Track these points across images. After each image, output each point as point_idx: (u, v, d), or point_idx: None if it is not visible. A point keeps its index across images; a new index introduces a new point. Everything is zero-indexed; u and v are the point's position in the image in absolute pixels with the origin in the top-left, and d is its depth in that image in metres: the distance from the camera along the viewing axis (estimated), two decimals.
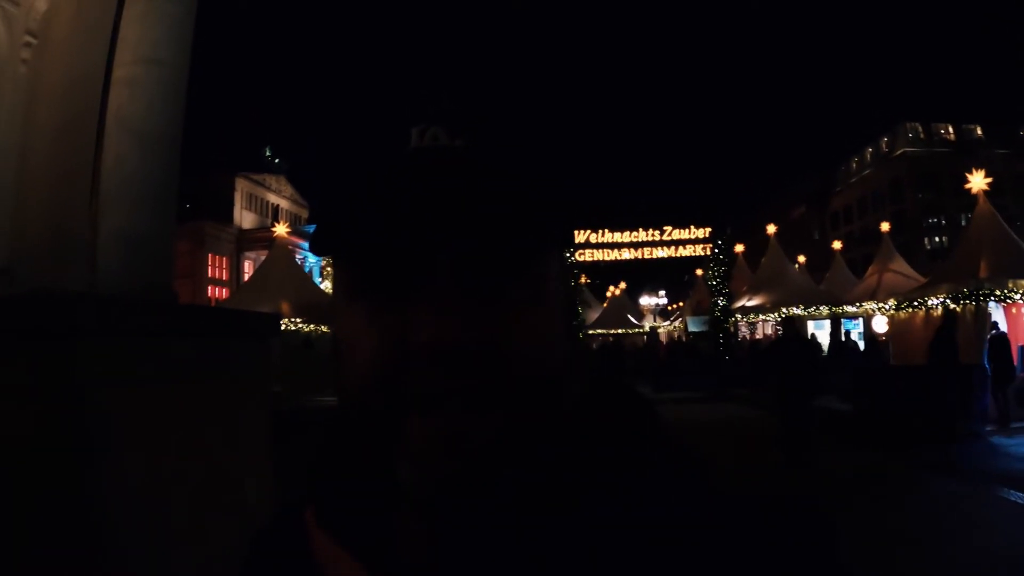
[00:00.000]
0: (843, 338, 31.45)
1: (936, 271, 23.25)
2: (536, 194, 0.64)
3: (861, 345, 29.14)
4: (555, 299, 0.67)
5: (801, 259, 37.81)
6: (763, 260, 36.01)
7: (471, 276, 0.61)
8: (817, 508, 0.68)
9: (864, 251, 56.18)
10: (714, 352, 32.20)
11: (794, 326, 12.68)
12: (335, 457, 0.75)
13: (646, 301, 69.77)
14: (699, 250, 33.45)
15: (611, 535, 0.62)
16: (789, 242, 41.02)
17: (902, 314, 21.22)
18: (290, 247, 27.84)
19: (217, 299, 59.02)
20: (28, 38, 9.92)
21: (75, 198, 9.78)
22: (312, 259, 52.59)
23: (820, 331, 34.78)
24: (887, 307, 22.66)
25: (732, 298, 33.53)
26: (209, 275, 64.67)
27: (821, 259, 44.44)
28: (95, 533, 3.74)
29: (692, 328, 39.57)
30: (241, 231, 69.40)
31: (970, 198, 20.86)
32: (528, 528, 0.63)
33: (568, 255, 32.35)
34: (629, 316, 49.91)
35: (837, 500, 8.83)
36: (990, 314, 17.29)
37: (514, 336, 0.62)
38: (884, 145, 77.48)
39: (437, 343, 0.58)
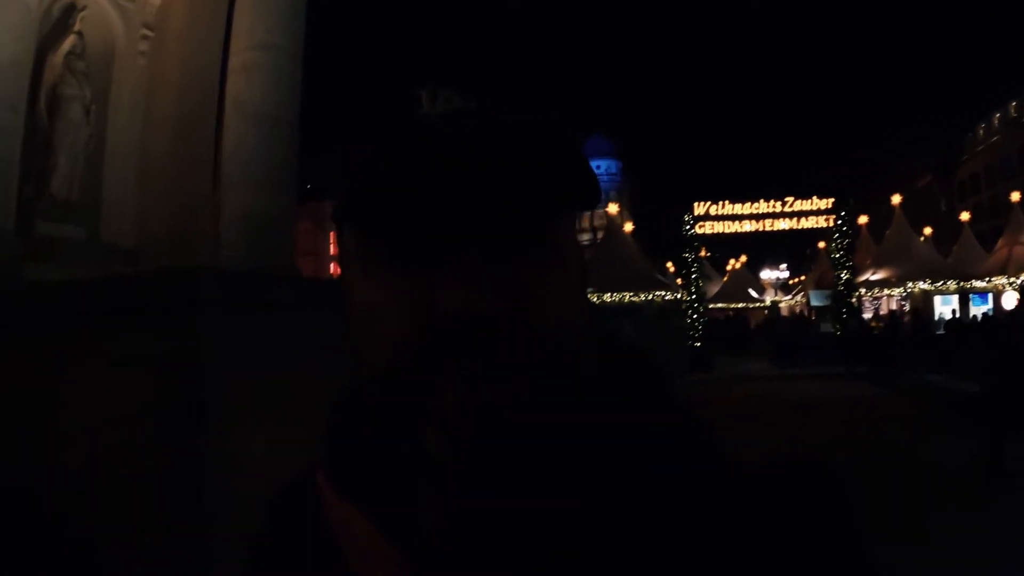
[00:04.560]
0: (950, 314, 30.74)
1: None
2: (560, 158, 0.64)
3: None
4: (575, 264, 0.69)
5: (927, 231, 36.82)
6: (887, 232, 35.19)
7: (499, 243, 0.61)
8: (835, 473, 0.69)
9: (994, 223, 53.98)
10: (838, 328, 31.22)
11: None
12: (350, 422, 0.75)
13: (767, 275, 68.53)
14: (822, 222, 32.40)
15: (626, 506, 0.63)
16: (914, 213, 39.97)
17: None
18: None
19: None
20: (145, 31, 10.44)
21: (197, 183, 10.30)
22: None
23: (946, 307, 33.96)
24: (1018, 282, 21.84)
25: (856, 272, 32.56)
26: (332, 253, 66.42)
27: (948, 231, 43.12)
28: (210, 500, 3.88)
29: (814, 303, 38.93)
30: None
31: None
32: (545, 497, 0.63)
33: (690, 226, 32.13)
34: (750, 290, 49.48)
35: (943, 486, 8.41)
36: None
37: (541, 302, 0.62)
38: (1013, 110, 74.13)
39: (464, 310, 0.59)
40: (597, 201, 0.71)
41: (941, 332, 28.68)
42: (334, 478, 0.73)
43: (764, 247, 65.44)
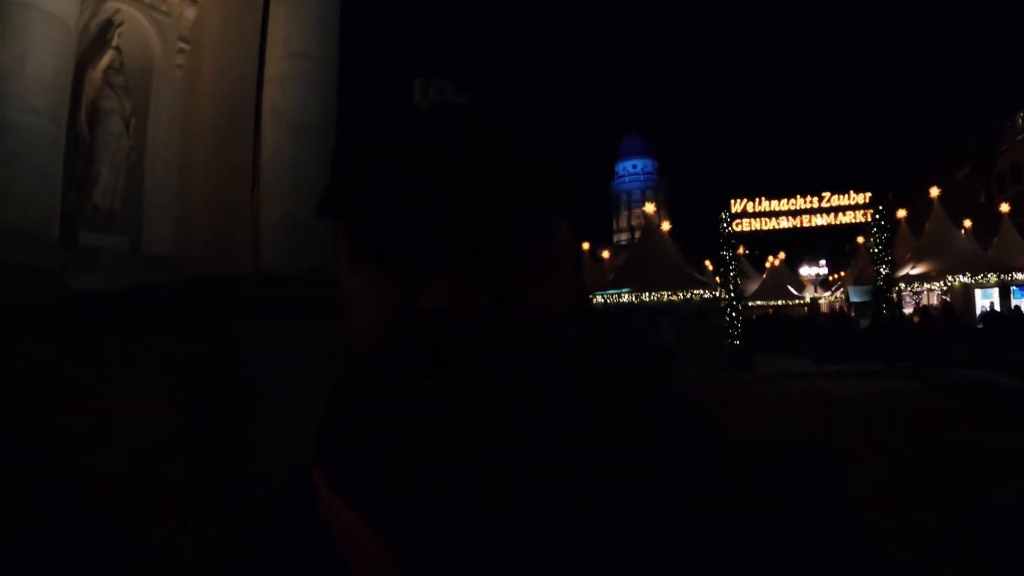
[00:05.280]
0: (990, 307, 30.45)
1: None
2: (548, 153, 0.65)
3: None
4: (568, 258, 0.68)
5: (967, 224, 36.38)
6: (926, 226, 34.81)
7: (487, 238, 0.62)
8: (826, 455, 0.68)
9: None
10: (877, 323, 30.84)
11: None
12: (345, 418, 0.74)
13: (806, 271, 67.92)
14: (859, 216, 31.85)
15: (623, 500, 0.62)
16: (953, 206, 39.45)
17: None
18: None
19: None
20: (181, 44, 10.77)
21: (236, 191, 10.50)
22: None
23: (986, 300, 33.59)
24: None
25: (895, 266, 32.07)
26: None
27: (988, 223, 42.55)
28: (245, 497, 3.79)
29: (854, 298, 38.58)
30: None
31: None
32: (538, 490, 0.63)
33: (727, 223, 31.91)
34: (789, 287, 48.82)
35: (976, 484, 7.90)
36: None
37: (529, 297, 0.62)
38: None
39: (454, 305, 0.59)
40: (584, 197, 0.72)
41: (980, 326, 28.33)
42: (328, 474, 0.74)
43: (802, 243, 64.86)
